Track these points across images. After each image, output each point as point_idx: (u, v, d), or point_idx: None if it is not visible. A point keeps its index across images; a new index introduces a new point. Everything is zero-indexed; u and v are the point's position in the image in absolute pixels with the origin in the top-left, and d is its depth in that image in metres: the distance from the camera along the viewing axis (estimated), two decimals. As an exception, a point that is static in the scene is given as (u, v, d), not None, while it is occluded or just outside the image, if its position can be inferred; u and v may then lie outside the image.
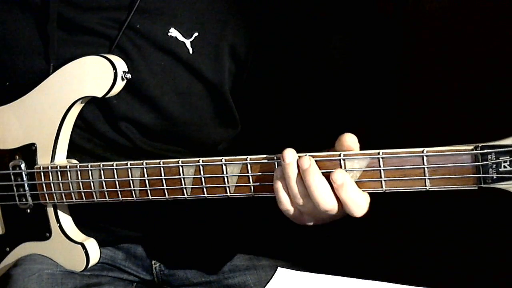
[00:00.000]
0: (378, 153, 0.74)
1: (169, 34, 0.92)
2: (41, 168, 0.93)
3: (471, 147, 0.70)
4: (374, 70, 1.26)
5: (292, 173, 0.75)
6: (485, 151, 0.69)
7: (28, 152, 0.94)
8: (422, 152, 0.72)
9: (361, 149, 0.76)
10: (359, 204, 0.75)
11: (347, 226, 1.08)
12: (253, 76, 0.97)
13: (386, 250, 1.22)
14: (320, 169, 0.76)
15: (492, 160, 0.68)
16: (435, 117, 1.16)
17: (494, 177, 0.69)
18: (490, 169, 0.69)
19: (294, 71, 1.03)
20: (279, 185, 0.77)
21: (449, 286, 1.01)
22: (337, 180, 0.73)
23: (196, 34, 0.92)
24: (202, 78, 0.94)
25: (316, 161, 0.76)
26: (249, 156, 0.80)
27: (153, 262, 1.07)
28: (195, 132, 0.98)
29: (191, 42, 0.92)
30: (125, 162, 0.87)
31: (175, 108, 0.95)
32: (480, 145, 0.69)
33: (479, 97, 1.12)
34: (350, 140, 0.75)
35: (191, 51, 0.92)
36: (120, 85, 0.90)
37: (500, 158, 0.68)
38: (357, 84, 1.24)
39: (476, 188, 0.71)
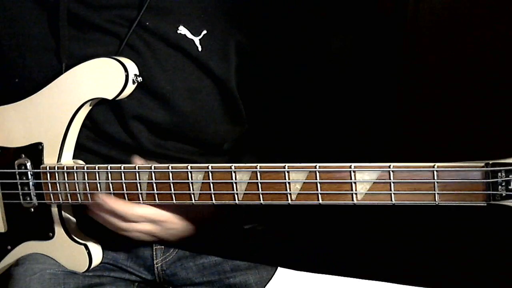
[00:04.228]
0: (389, 166, 0.75)
1: (178, 31, 0.92)
2: (48, 167, 0.92)
3: (481, 164, 0.71)
4: (378, 72, 1.27)
5: None
6: (496, 168, 0.70)
7: (35, 151, 0.94)
8: (433, 167, 0.73)
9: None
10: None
11: (347, 226, 1.09)
12: (260, 74, 0.98)
13: (386, 250, 1.23)
14: (331, 179, 0.77)
15: (502, 178, 0.69)
16: (444, 129, 1.17)
17: (504, 195, 0.70)
18: (500, 187, 0.70)
19: (300, 69, 1.04)
20: None
21: (449, 286, 1.02)
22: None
23: (204, 32, 0.93)
24: (210, 75, 0.95)
25: (326, 172, 0.77)
26: (259, 164, 0.81)
27: (154, 262, 1.07)
28: (203, 129, 0.98)
29: (200, 39, 0.93)
30: (133, 165, 0.87)
31: (185, 104, 0.95)
32: (490, 162, 0.70)
33: (488, 111, 1.12)
34: None
35: (200, 49, 0.93)
36: (130, 88, 0.90)
37: (510, 176, 0.69)
38: (362, 85, 1.25)
39: (485, 204, 0.72)
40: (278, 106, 1.03)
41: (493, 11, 1.12)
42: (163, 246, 1.08)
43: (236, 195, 0.82)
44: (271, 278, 1.02)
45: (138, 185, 0.87)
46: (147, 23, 0.92)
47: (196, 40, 0.93)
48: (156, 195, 0.86)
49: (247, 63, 0.96)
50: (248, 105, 0.99)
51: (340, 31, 1.27)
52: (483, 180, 0.71)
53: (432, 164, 0.73)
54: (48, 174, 0.92)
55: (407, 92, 1.24)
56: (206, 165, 0.83)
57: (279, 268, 1.01)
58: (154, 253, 1.07)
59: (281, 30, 0.99)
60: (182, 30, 0.92)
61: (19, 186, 0.95)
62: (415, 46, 1.22)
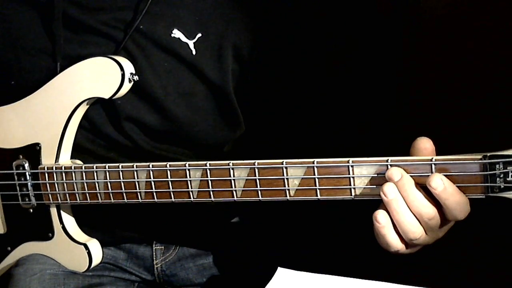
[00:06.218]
0: (387, 160, 0.75)
1: (172, 35, 0.91)
2: (45, 168, 0.92)
3: (479, 156, 0.70)
4: (375, 71, 1.27)
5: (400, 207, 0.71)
6: (493, 160, 0.69)
7: (32, 151, 0.94)
8: (431, 160, 0.72)
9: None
10: (463, 206, 0.71)
11: (346, 225, 1.09)
12: (257, 77, 0.97)
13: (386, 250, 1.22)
14: (330, 175, 0.76)
15: (500, 170, 0.69)
16: (441, 122, 1.17)
17: (502, 187, 0.69)
18: (498, 179, 0.69)
19: (297, 72, 1.03)
20: (387, 230, 0.73)
21: (449, 286, 1.02)
22: (437, 187, 0.69)
23: (199, 35, 0.92)
24: (205, 79, 0.94)
25: (324, 167, 0.77)
26: (257, 161, 0.80)
27: (154, 262, 1.07)
28: (199, 133, 0.98)
29: (194, 43, 0.92)
30: (131, 164, 0.87)
31: (179, 109, 0.94)
32: (488, 154, 0.70)
33: (486, 104, 1.12)
34: (423, 144, 0.74)
35: (194, 52, 0.92)
36: (127, 86, 0.89)
37: (508, 168, 0.69)
38: (360, 86, 1.24)
39: (484, 197, 0.72)
40: (278, 109, 1.02)
41: (493, 11, 1.12)
42: (163, 247, 1.08)
43: (234, 192, 0.82)
44: (270, 278, 1.01)
45: (137, 184, 0.87)
46: (141, 27, 0.91)
47: (191, 43, 0.91)
48: (154, 194, 0.86)
49: (243, 67, 0.95)
50: (245, 109, 0.98)
51: (340, 31, 1.27)
52: (481, 173, 0.70)
53: (429, 157, 0.73)
54: (46, 175, 0.92)
55: (406, 89, 1.24)
56: (204, 162, 0.83)
57: (278, 268, 1.01)
58: (154, 253, 1.07)
59: (278, 33, 0.98)
60: (176, 33, 0.91)
61: (18, 187, 0.95)
62: (415, 46, 1.22)
